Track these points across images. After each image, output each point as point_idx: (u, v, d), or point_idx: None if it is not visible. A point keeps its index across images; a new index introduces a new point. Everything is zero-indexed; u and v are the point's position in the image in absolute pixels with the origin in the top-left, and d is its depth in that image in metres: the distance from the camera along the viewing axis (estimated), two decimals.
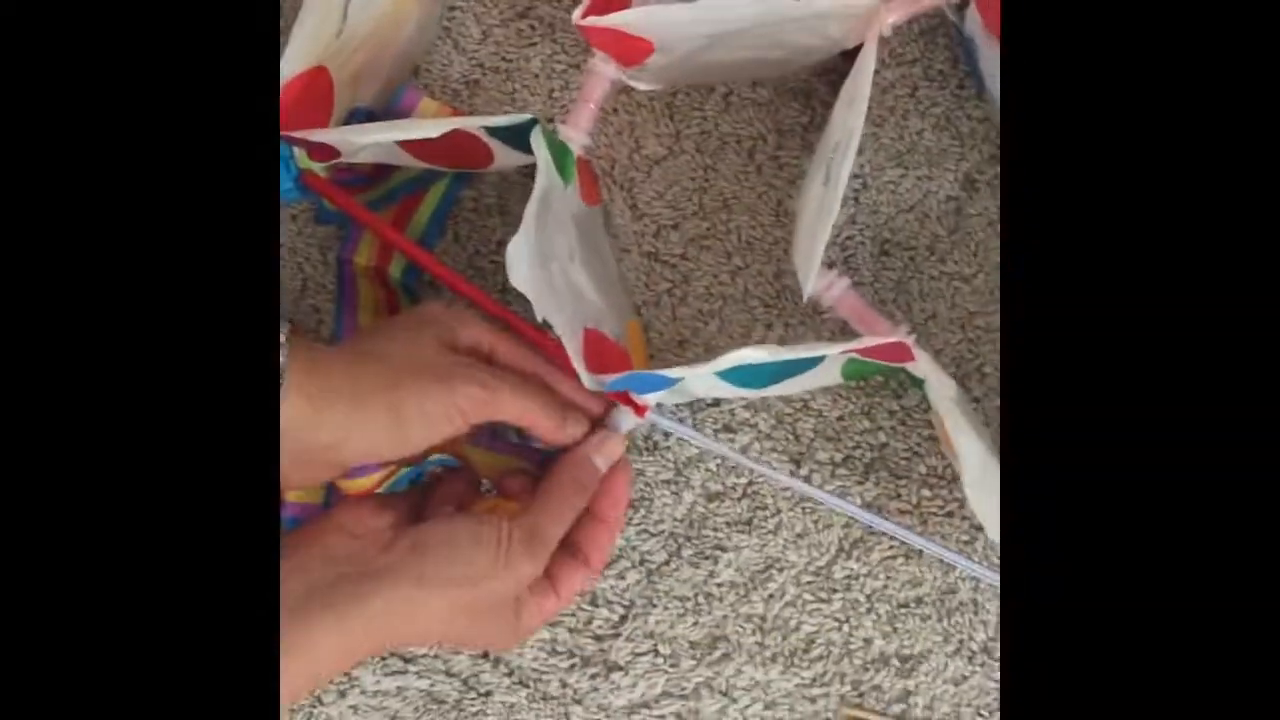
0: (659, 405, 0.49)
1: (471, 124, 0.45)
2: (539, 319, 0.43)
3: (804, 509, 0.52)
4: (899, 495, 0.51)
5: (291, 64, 0.43)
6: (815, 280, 0.46)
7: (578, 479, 0.45)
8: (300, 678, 0.38)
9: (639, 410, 0.47)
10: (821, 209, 0.44)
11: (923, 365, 0.45)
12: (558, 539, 0.44)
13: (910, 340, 0.44)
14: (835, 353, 0.44)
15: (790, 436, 0.52)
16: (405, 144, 0.46)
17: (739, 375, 0.46)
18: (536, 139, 0.44)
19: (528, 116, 0.43)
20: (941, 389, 0.45)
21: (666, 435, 0.52)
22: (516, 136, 0.45)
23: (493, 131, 0.45)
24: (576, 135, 0.50)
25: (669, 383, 0.45)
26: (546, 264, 0.45)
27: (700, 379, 0.46)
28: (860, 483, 0.52)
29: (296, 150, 0.46)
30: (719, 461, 0.52)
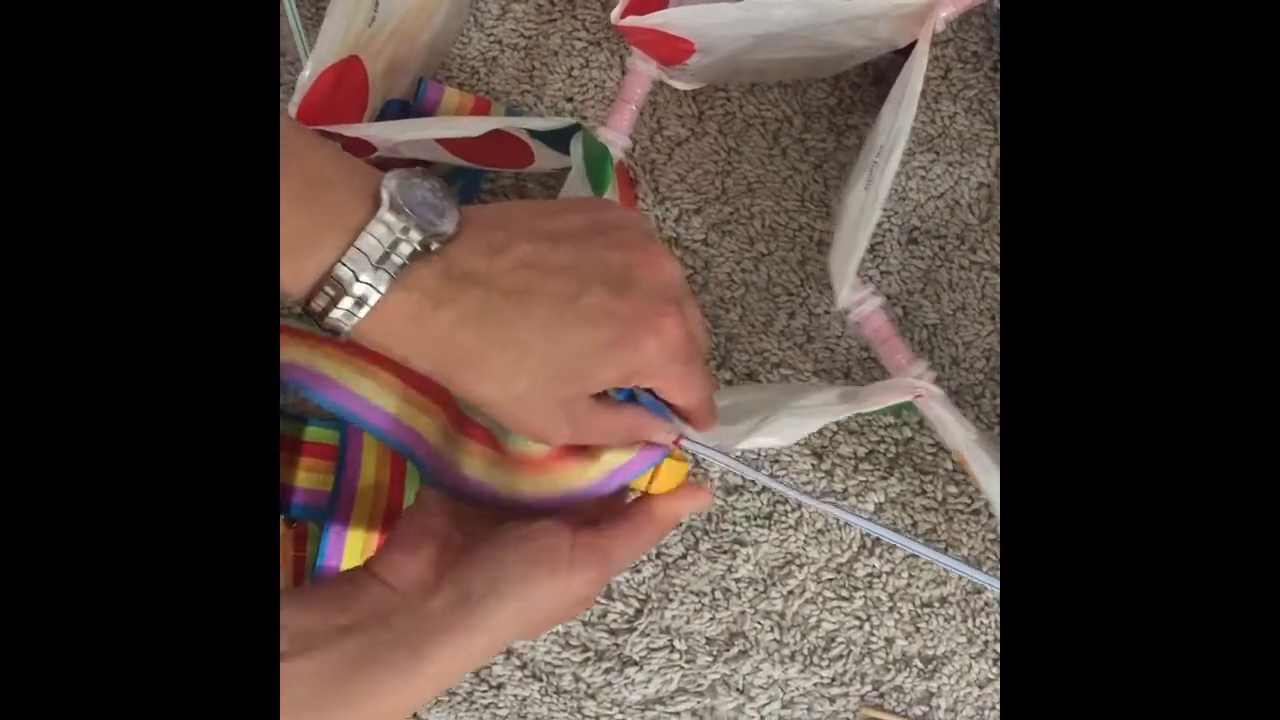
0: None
1: (515, 125, 0.43)
2: None
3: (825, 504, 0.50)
4: (924, 491, 0.50)
5: (324, 53, 0.41)
6: (849, 290, 0.43)
7: (662, 523, 0.41)
8: None
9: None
10: (861, 215, 0.42)
11: (936, 410, 0.41)
12: (621, 569, 0.40)
13: (930, 379, 0.40)
14: (854, 413, 0.41)
15: (813, 431, 0.50)
16: (445, 141, 0.45)
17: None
18: (575, 146, 0.42)
19: (572, 120, 0.42)
20: (957, 434, 0.41)
21: None
22: (559, 140, 0.44)
23: (535, 134, 0.44)
24: (617, 138, 0.49)
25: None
26: None
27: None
28: (884, 478, 0.50)
29: None
30: (739, 454, 0.50)
